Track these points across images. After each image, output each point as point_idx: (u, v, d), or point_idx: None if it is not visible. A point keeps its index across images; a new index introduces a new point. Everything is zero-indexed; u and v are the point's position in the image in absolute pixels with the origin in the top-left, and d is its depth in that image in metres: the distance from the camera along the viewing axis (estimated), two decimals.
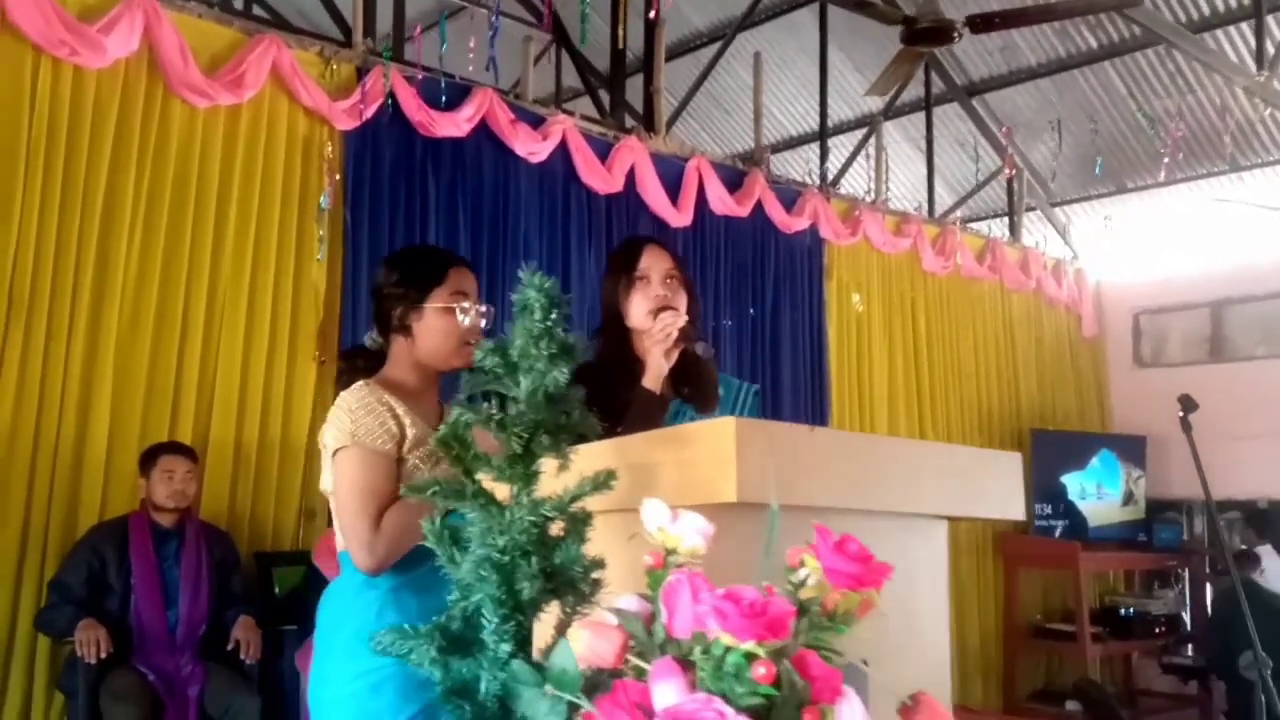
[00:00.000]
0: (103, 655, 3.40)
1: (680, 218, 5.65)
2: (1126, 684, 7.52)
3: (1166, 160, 6.85)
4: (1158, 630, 7.12)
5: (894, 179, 7.18)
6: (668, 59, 6.04)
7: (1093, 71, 7.12)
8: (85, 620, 3.46)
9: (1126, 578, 7.91)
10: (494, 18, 5.19)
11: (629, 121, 6.09)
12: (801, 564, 1.00)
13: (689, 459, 1.29)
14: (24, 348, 3.71)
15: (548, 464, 1.25)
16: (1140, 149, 7.44)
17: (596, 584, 1.19)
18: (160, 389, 4.00)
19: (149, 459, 3.77)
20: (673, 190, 5.67)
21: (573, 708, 1.07)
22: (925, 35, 4.77)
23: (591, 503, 1.26)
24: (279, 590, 4.09)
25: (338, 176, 4.49)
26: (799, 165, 8.24)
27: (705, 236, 5.82)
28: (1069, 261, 8.17)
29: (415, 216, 4.71)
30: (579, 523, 1.19)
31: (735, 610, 0.95)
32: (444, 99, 4.79)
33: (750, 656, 0.96)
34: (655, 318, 2.12)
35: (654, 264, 2.17)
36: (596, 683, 1.08)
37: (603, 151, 5.42)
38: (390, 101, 4.58)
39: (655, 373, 2.11)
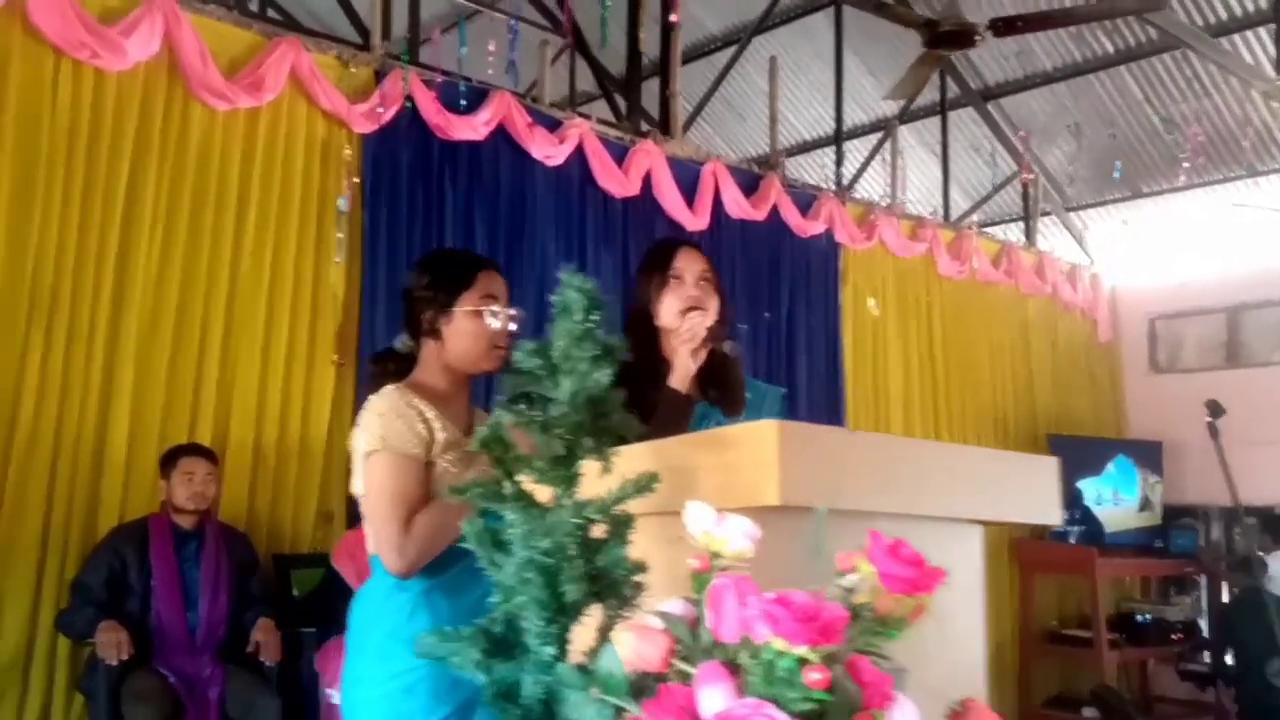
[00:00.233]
0: (124, 657, 3.40)
1: (696, 221, 5.64)
2: (1143, 691, 7.48)
3: (1186, 165, 6.82)
4: (1174, 637, 7.07)
5: (909, 183, 7.16)
6: (681, 63, 6.04)
7: (1109, 76, 7.09)
8: (106, 622, 3.46)
9: (1143, 584, 7.87)
10: (513, 21, 5.19)
11: (644, 125, 6.09)
12: (854, 568, 0.99)
13: (730, 462, 1.28)
14: (45, 349, 3.72)
15: (588, 466, 1.24)
16: (1156, 154, 7.41)
17: (638, 587, 1.18)
18: (180, 391, 4.01)
19: (169, 461, 3.78)
20: (689, 194, 5.67)
21: (618, 711, 1.06)
22: (947, 39, 4.75)
23: (629, 505, 1.25)
24: (297, 592, 4.09)
25: (356, 179, 4.50)
26: (812, 170, 8.24)
27: (721, 240, 5.81)
28: (1084, 266, 8.14)
29: (433, 219, 4.71)
30: (621, 525, 1.19)
31: (788, 614, 0.95)
32: (463, 102, 4.79)
33: (802, 661, 0.95)
34: (684, 318, 2.12)
35: (688, 265, 2.18)
36: (641, 686, 1.08)
37: (619, 155, 5.42)
38: (409, 105, 4.58)
39: (682, 373, 2.10)
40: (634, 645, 1.07)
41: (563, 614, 1.13)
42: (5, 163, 3.67)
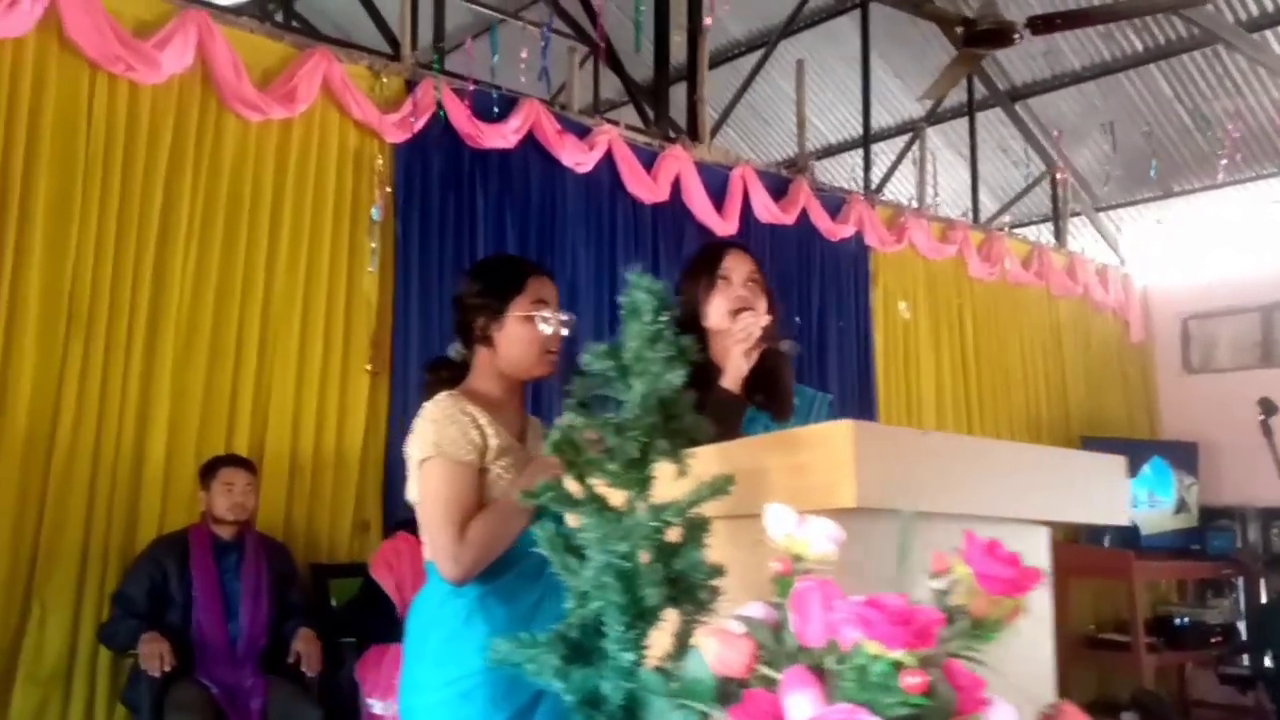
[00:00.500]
0: (167, 669, 3.40)
1: (726, 226, 5.63)
2: (1181, 695, 7.39)
3: (1224, 162, 6.75)
4: (1213, 640, 6.98)
5: (937, 185, 7.13)
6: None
7: (1138, 74, 7.04)
8: (149, 634, 3.46)
9: (1179, 587, 7.78)
10: (547, 28, 5.20)
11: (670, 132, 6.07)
12: (948, 569, 0.97)
13: (803, 464, 1.26)
14: (83, 362, 3.74)
15: (659, 469, 1.22)
16: (1187, 152, 7.34)
17: (715, 591, 1.16)
18: (217, 401, 4.02)
19: (209, 471, 3.79)
20: (718, 199, 5.66)
21: (704, 717, 1.04)
22: (985, 37, 4.71)
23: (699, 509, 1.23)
24: (335, 602, 4.09)
25: (388, 189, 4.50)
26: (839, 173, 8.20)
27: (751, 245, 5.74)
28: (1115, 267, 8.07)
29: (465, 228, 4.72)
30: (697, 528, 1.17)
31: (883, 618, 0.92)
32: (495, 110, 4.80)
33: (898, 665, 0.93)
34: (735, 318, 2.09)
35: (736, 266, 2.17)
36: (725, 692, 1.06)
37: (648, 161, 5.42)
38: (441, 114, 4.59)
39: (734, 374, 2.07)
40: (717, 651, 1.05)
41: (641, 619, 1.11)
42: (42, 176, 3.70)
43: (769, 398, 2.20)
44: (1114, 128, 7.32)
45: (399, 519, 4.17)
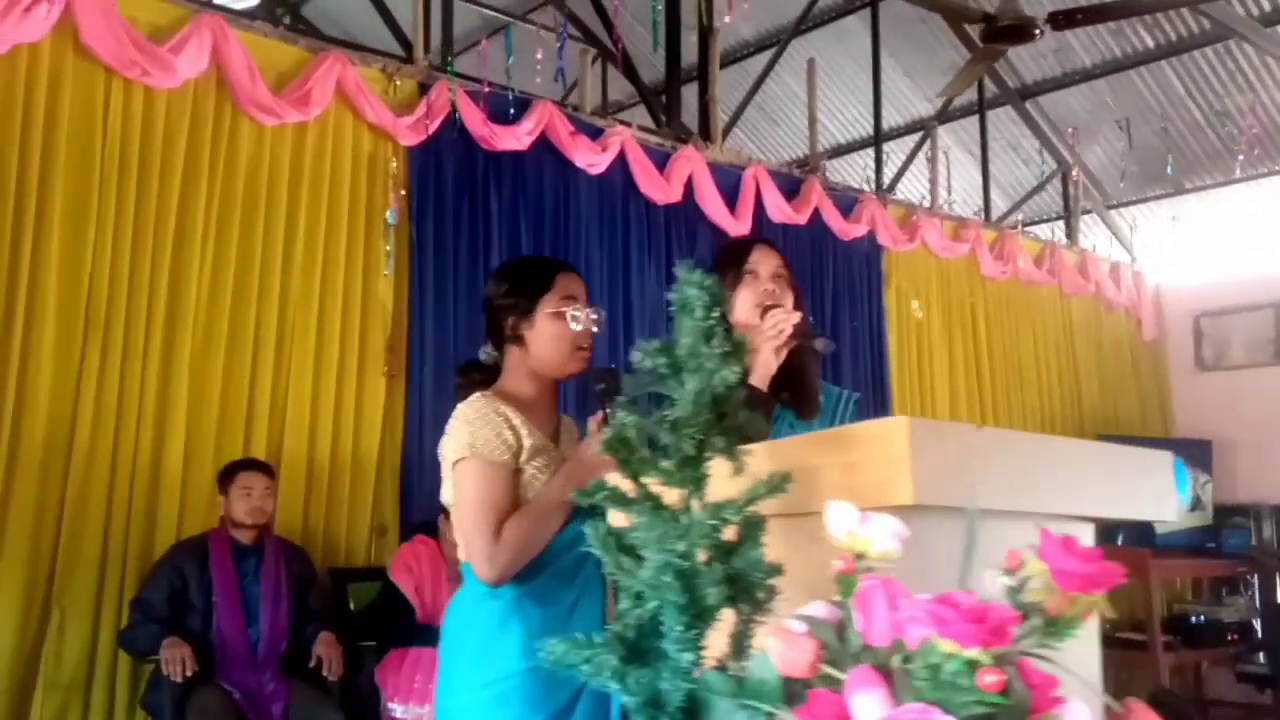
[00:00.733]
0: (188, 673, 3.39)
1: (739, 226, 5.61)
2: (1198, 694, 7.35)
3: (1241, 158, 6.72)
4: (1230, 638, 6.94)
5: (950, 184, 7.11)
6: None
7: (1149, 71, 7.01)
8: (170, 639, 3.45)
9: (1194, 585, 7.74)
10: (562, 30, 5.19)
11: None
12: (1021, 565, 0.95)
13: (856, 461, 1.24)
14: (101, 367, 3.73)
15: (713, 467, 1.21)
16: (1200, 149, 7.32)
17: (773, 590, 1.15)
18: (234, 406, 4.01)
19: (227, 476, 3.77)
20: (730, 199, 5.64)
21: (769, 718, 1.03)
22: (1005, 33, 4.67)
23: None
24: (354, 606, 4.07)
25: (403, 192, 4.49)
26: (849, 173, 8.18)
27: None
28: (1127, 264, 8.04)
29: (479, 230, 4.71)
30: (754, 527, 1.15)
31: (957, 616, 0.91)
32: (511, 112, 4.79)
33: (972, 664, 0.91)
34: (762, 314, 2.08)
35: (763, 261, 2.15)
36: (790, 693, 1.04)
37: (660, 162, 5.40)
38: (454, 116, 4.57)
39: (763, 371, 2.05)
40: (780, 651, 1.03)
41: (700, 619, 1.10)
42: (59, 181, 3.70)
43: (795, 395, 2.18)
44: (1129, 124, 7.29)
45: (417, 522, 4.16)
